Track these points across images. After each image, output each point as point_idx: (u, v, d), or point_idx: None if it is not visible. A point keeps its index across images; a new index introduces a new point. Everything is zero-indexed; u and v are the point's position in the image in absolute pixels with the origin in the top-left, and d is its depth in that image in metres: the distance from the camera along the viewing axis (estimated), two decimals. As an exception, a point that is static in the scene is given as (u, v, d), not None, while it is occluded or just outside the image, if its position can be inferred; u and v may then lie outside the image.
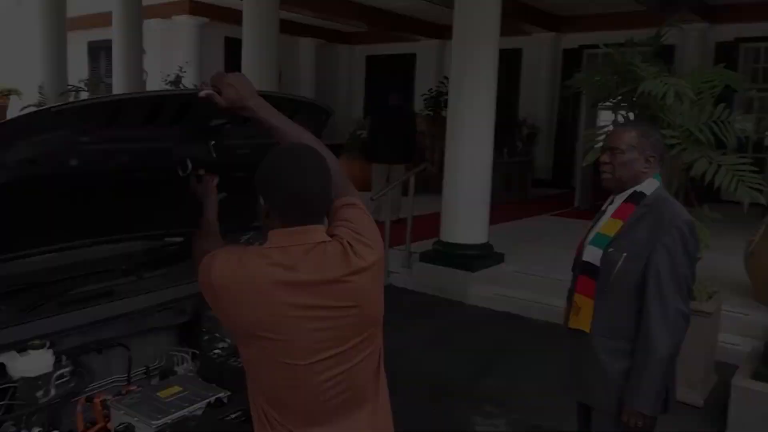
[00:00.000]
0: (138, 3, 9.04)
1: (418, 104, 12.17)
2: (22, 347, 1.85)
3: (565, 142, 12.79)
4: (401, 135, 8.29)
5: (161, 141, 1.75)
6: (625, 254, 2.06)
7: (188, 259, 2.54)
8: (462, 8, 5.63)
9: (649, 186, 2.11)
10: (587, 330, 2.14)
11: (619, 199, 2.18)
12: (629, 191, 2.14)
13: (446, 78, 11.76)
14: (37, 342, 1.84)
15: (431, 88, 12.10)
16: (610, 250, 2.09)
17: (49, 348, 1.86)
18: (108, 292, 2.19)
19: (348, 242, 1.39)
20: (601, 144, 3.68)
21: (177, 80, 9.66)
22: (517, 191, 10.68)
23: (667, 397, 2.09)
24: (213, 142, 1.79)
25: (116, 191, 1.99)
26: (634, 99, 3.47)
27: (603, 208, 2.28)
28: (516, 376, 4.17)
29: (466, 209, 5.75)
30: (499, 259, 5.97)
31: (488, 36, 5.57)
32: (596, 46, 12.31)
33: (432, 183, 10.32)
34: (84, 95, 8.47)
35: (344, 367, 1.40)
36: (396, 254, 6.32)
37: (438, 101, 11.82)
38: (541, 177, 12.34)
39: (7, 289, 2.03)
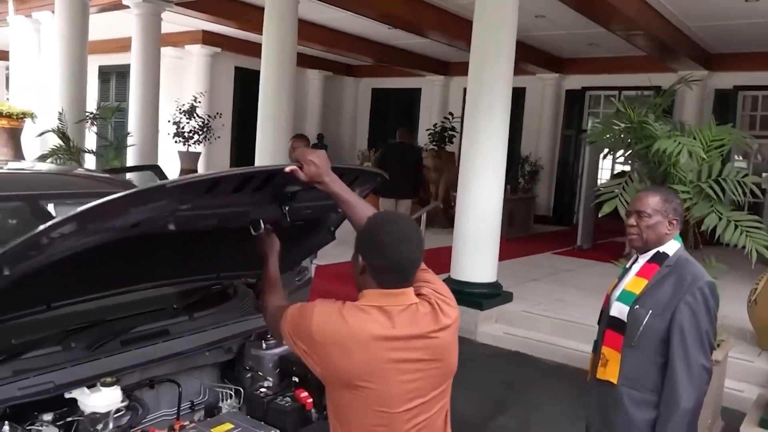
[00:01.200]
0: (157, 30, 9.29)
1: (422, 138, 12.41)
2: (92, 383, 1.98)
3: (565, 180, 13.05)
4: (409, 170, 8.48)
5: (243, 205, 1.93)
6: (650, 311, 2.21)
7: (233, 299, 2.71)
8: (478, 52, 5.86)
9: (671, 247, 2.28)
10: (615, 381, 2.28)
11: (642, 259, 2.34)
12: (653, 252, 2.30)
13: (451, 114, 12.09)
14: (108, 379, 1.97)
15: (436, 123, 12.35)
16: (636, 307, 2.25)
17: (117, 385, 1.99)
18: (164, 331, 2.33)
19: (435, 302, 1.58)
20: (616, 193, 3.88)
21: (192, 110, 9.85)
22: (519, 227, 10.86)
23: None
24: (287, 207, 1.98)
25: (179, 242, 2.14)
26: (648, 156, 3.65)
27: (627, 266, 2.44)
28: (528, 415, 4.28)
29: (476, 249, 5.90)
30: (507, 298, 6.11)
31: (503, 81, 5.79)
32: (598, 88, 12.75)
33: (436, 218, 10.51)
34: (100, 121, 8.61)
35: (426, 416, 1.57)
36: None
37: (443, 136, 12.06)
38: (541, 213, 12.56)
39: (74, 326, 2.16)
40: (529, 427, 4.13)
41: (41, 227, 1.62)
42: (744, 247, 3.58)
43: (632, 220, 2.33)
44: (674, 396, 2.13)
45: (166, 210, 1.73)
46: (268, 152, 7.77)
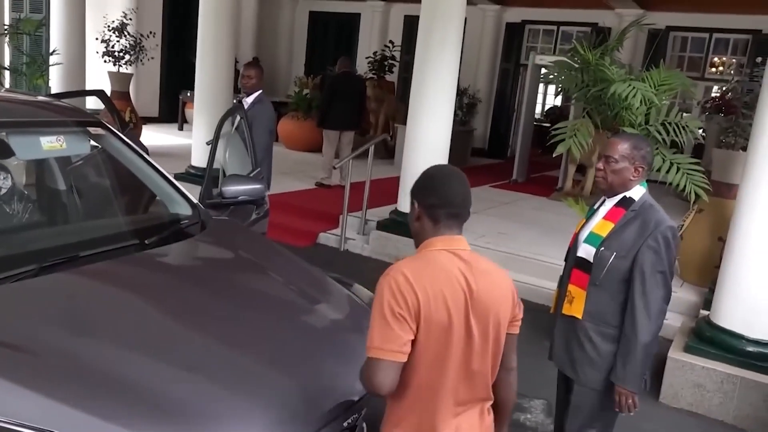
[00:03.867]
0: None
1: (362, 67, 12.19)
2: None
3: (502, 113, 13.24)
4: (353, 101, 8.40)
5: None
6: (615, 253, 2.37)
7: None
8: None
9: (637, 192, 2.42)
10: (579, 317, 2.46)
11: (609, 203, 2.48)
12: (619, 196, 2.43)
13: (391, 42, 11.90)
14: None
15: (376, 51, 12.13)
16: (602, 249, 2.40)
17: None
18: None
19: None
20: (567, 135, 4.03)
21: (122, 27, 9.24)
22: (457, 161, 11.01)
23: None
24: None
25: None
26: (603, 97, 3.78)
27: (595, 207, 2.57)
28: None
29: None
30: (451, 230, 6.28)
31: (456, 16, 5.76)
32: (538, 22, 12.81)
33: (375, 149, 10.51)
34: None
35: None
36: (352, 221, 6.53)
37: (383, 65, 11.89)
38: (477, 146, 12.76)
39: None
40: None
41: None
42: (679, 185, 3.83)
43: (600, 164, 2.45)
44: (634, 330, 2.32)
45: None
46: (208, 76, 7.49)
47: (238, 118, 4.52)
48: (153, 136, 10.10)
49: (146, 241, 2.51)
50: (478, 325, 1.66)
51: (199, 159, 7.48)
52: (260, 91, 5.19)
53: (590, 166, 8.31)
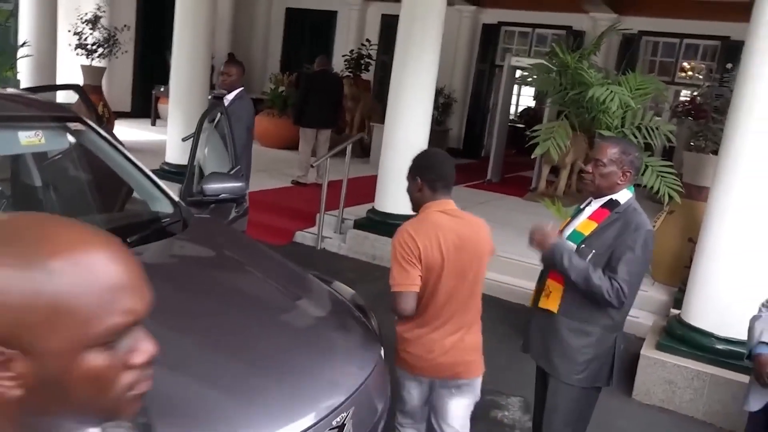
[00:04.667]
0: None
1: (338, 65, 12.17)
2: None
3: (477, 113, 13.35)
4: (330, 100, 8.38)
5: None
6: (594, 251, 2.42)
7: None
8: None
9: (624, 196, 2.48)
10: (555, 311, 2.52)
11: (596, 203, 2.54)
12: (606, 198, 2.49)
13: (368, 41, 11.91)
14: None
15: (352, 50, 12.13)
16: (582, 246, 2.45)
17: None
18: None
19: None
20: (542, 138, 4.09)
21: (95, 19, 9.07)
22: (432, 159, 11.06)
23: (611, 371, 2.53)
24: None
25: None
26: (581, 100, 3.85)
27: (581, 207, 2.63)
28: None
29: (400, 183, 6.00)
30: (428, 229, 6.33)
31: (436, 15, 5.79)
32: (514, 24, 12.93)
33: (352, 148, 10.50)
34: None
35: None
36: (329, 220, 6.52)
37: (359, 64, 11.89)
38: (452, 146, 12.84)
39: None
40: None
41: None
42: (653, 187, 3.92)
43: (589, 167, 2.50)
44: (579, 268, 2.38)
45: None
46: (184, 72, 7.41)
47: (219, 114, 4.49)
48: (125, 132, 9.94)
49: (128, 240, 2.48)
50: (467, 261, 2.33)
51: (174, 155, 7.40)
52: (242, 88, 5.17)
53: (564, 167, 8.44)
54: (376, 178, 6.25)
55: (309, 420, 1.81)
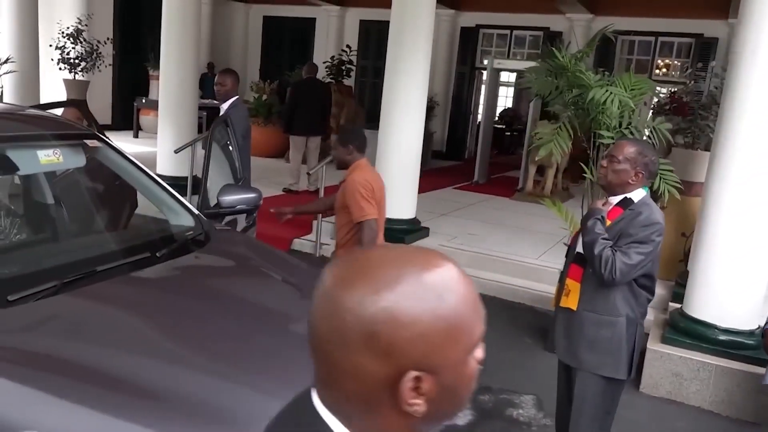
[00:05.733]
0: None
1: (319, 72, 12.17)
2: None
3: (459, 116, 13.48)
4: (319, 107, 8.42)
5: None
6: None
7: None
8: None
9: (638, 195, 2.56)
10: (575, 308, 2.60)
11: (611, 203, 2.62)
12: (621, 197, 2.57)
13: (348, 47, 11.95)
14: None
15: (333, 56, 12.16)
16: None
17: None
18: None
19: None
20: (545, 140, 4.17)
21: (77, 33, 8.98)
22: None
23: (631, 361, 2.62)
24: None
25: None
26: (580, 102, 3.94)
27: None
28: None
29: (398, 186, 6.07)
30: (425, 233, 6.40)
31: (426, 16, 5.88)
32: (492, 26, 13.09)
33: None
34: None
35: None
36: (326, 226, 6.54)
37: (340, 70, 11.92)
38: (436, 149, 12.95)
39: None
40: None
41: None
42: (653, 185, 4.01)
43: (605, 162, 2.59)
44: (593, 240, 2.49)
45: None
46: (172, 83, 7.38)
47: (221, 124, 4.51)
48: (110, 145, 9.84)
49: (157, 254, 2.49)
50: (384, 198, 3.40)
51: (165, 167, 7.36)
52: (236, 97, 5.20)
53: (550, 167, 8.58)
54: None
55: None
